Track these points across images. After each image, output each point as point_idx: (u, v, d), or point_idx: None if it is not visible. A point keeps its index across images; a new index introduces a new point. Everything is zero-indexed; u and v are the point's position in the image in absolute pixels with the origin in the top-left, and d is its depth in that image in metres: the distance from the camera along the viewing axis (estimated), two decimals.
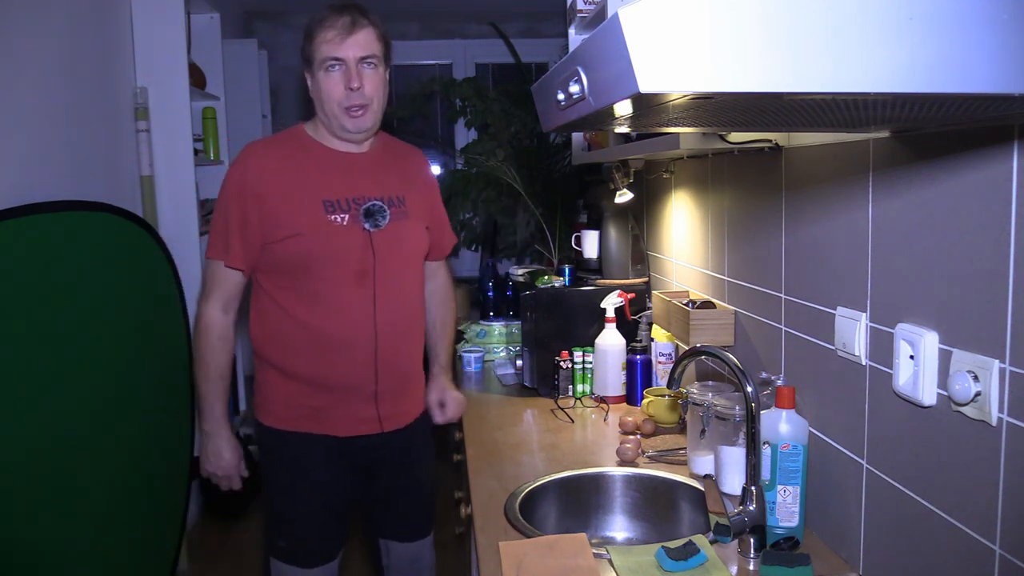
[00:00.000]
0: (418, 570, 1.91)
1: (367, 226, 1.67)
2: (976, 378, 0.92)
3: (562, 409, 2.10)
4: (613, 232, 2.43)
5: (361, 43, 1.61)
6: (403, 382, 1.78)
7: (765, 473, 1.30)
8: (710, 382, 1.72)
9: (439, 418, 1.95)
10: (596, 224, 2.51)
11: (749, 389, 1.26)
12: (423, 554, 1.92)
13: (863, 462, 1.20)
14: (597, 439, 1.88)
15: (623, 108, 0.71)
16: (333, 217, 1.65)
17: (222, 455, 1.75)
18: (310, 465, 1.72)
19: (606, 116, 0.79)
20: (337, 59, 1.60)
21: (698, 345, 1.52)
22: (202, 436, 1.76)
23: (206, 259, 1.72)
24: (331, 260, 1.65)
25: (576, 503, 1.64)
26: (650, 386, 2.10)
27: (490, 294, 3.08)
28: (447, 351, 2.00)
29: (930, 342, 1.02)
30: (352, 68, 1.61)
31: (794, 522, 1.30)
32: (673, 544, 1.26)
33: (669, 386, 1.43)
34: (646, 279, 2.41)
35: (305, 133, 1.73)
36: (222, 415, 1.74)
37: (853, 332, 1.20)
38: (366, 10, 1.65)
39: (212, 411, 1.73)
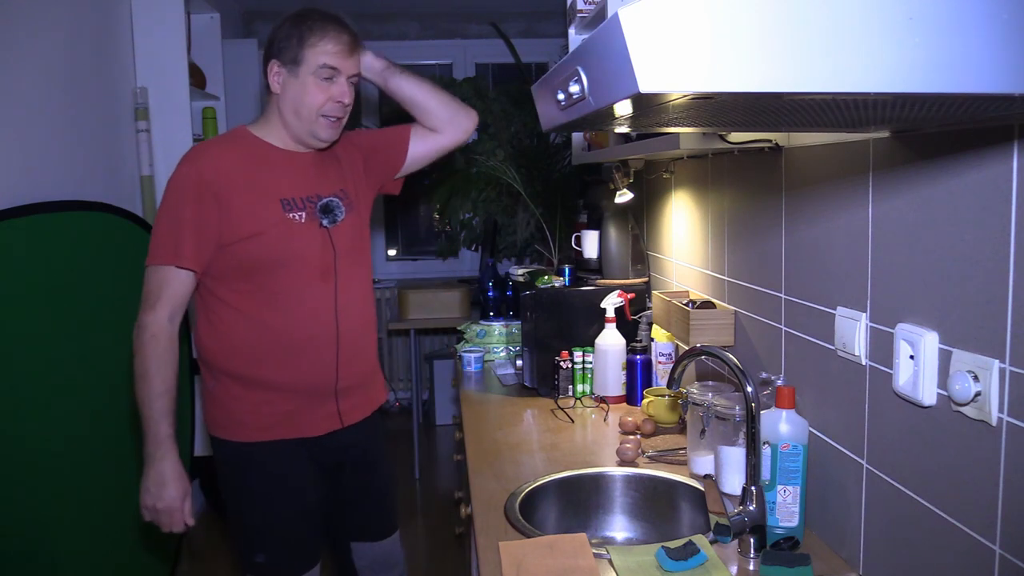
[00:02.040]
0: (391, 565, 1.91)
1: (325, 222, 1.68)
2: (976, 378, 0.92)
3: (562, 409, 2.10)
4: (613, 232, 2.43)
5: (356, 62, 1.68)
6: (364, 377, 1.79)
7: (765, 473, 1.30)
8: (710, 382, 1.72)
9: None
10: (596, 224, 2.51)
11: (749, 389, 1.26)
12: (394, 550, 1.92)
13: (863, 462, 1.20)
14: (597, 439, 1.88)
15: (623, 108, 0.71)
16: (291, 215, 1.65)
17: (165, 485, 1.56)
18: (285, 472, 1.69)
19: (606, 116, 0.79)
20: (335, 70, 1.63)
21: (698, 345, 1.52)
22: (144, 462, 1.58)
23: (148, 267, 1.61)
24: (294, 259, 1.64)
25: (576, 503, 1.64)
26: (650, 386, 2.10)
27: (490, 294, 3.08)
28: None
29: (930, 342, 1.02)
30: (344, 82, 1.65)
31: (794, 522, 1.30)
32: (673, 544, 1.26)
33: (669, 386, 1.43)
34: (646, 279, 2.41)
35: (250, 134, 1.71)
36: (168, 436, 1.58)
37: (853, 332, 1.20)
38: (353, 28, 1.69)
39: (157, 430, 1.56)
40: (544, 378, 2.23)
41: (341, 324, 1.70)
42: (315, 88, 1.62)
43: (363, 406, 1.81)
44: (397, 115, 1.82)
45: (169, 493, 1.57)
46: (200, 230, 1.58)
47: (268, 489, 1.68)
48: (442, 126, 1.84)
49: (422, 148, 1.87)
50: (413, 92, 1.81)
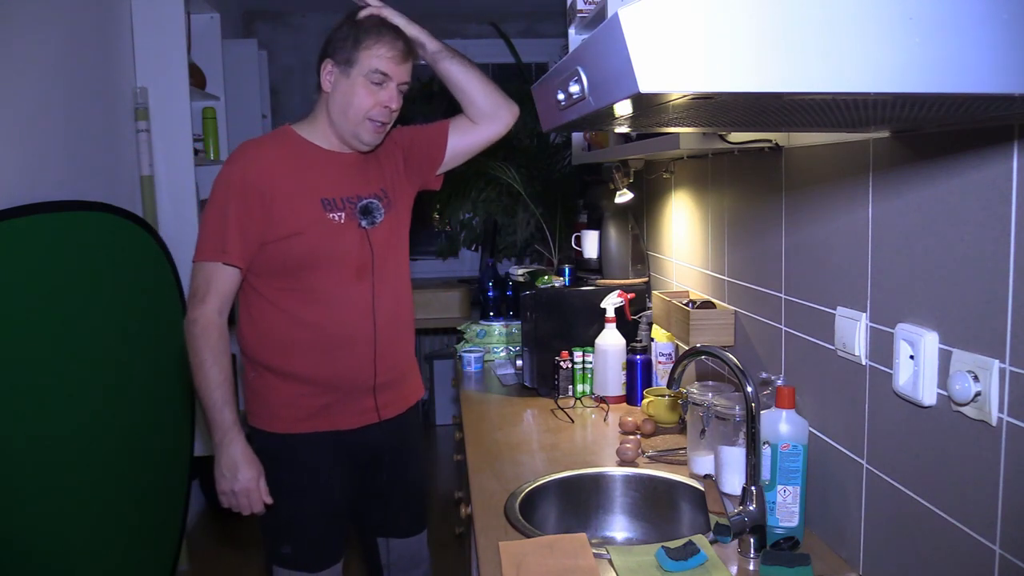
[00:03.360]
0: (417, 563, 1.92)
1: (364, 223, 1.70)
2: (976, 378, 0.92)
3: (562, 409, 2.10)
4: (613, 232, 2.43)
5: (408, 71, 1.69)
6: (400, 374, 1.81)
7: (765, 473, 1.30)
8: (710, 382, 1.72)
9: None
10: (596, 224, 2.50)
11: (749, 389, 1.26)
12: (420, 549, 1.93)
13: (863, 462, 1.20)
14: (597, 439, 1.88)
15: (623, 108, 0.71)
16: (331, 215, 1.67)
17: (239, 469, 1.60)
18: (318, 466, 1.71)
19: (606, 116, 0.79)
20: (387, 75, 1.64)
21: (698, 345, 1.52)
22: (214, 451, 1.63)
23: (196, 264, 1.66)
24: (332, 258, 1.67)
25: (576, 503, 1.63)
26: (650, 386, 2.10)
27: (490, 294, 3.08)
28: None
29: (930, 342, 1.02)
30: (394, 89, 1.66)
31: (794, 522, 1.30)
32: (673, 544, 1.26)
33: (669, 386, 1.43)
34: (646, 279, 2.41)
35: (295, 133, 1.73)
36: (233, 422, 1.61)
37: (853, 332, 1.20)
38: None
39: (222, 417, 1.60)
40: (544, 378, 2.23)
41: (378, 323, 1.71)
42: (364, 90, 1.64)
43: (399, 402, 1.82)
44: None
45: (244, 475, 1.61)
46: (244, 228, 1.62)
47: (299, 481, 1.71)
48: (482, 118, 1.85)
49: (462, 143, 1.87)
50: (460, 78, 1.82)
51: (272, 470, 1.71)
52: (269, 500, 1.65)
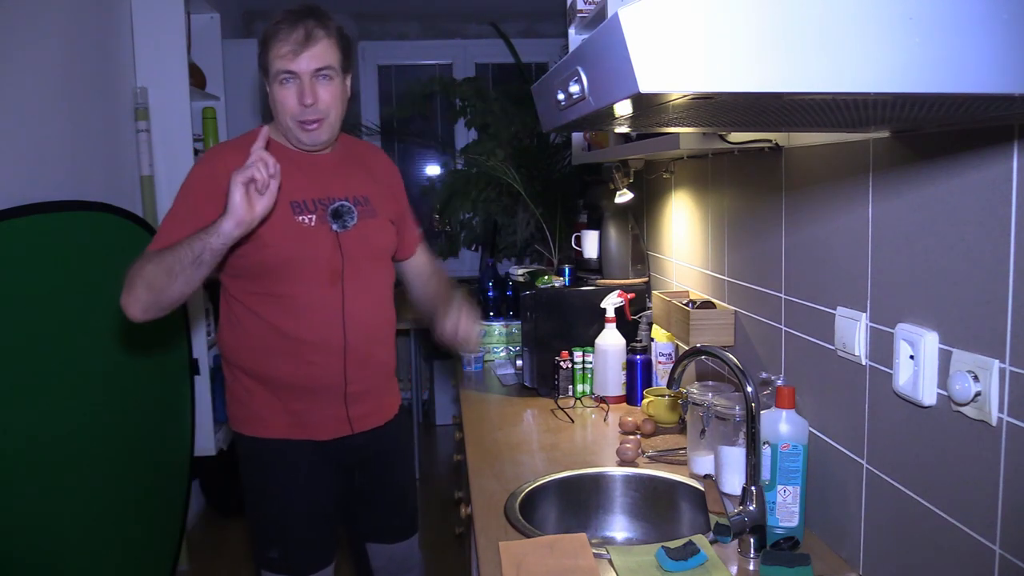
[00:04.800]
0: (408, 568, 1.91)
1: (335, 227, 1.65)
2: (976, 378, 0.92)
3: (562, 409, 2.10)
4: (613, 232, 2.43)
5: (316, 55, 1.55)
6: (374, 383, 1.76)
7: (765, 473, 1.30)
8: (710, 382, 1.72)
9: (455, 336, 1.78)
10: (596, 224, 2.50)
11: (749, 389, 1.26)
12: (411, 554, 1.92)
13: (863, 462, 1.20)
14: (597, 439, 1.88)
15: (623, 108, 0.71)
16: (300, 218, 1.63)
17: (229, 214, 1.42)
18: (298, 469, 1.69)
19: (606, 116, 0.79)
20: (290, 72, 1.56)
21: (698, 345, 1.52)
22: (213, 240, 1.44)
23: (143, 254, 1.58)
24: (301, 262, 1.63)
25: (576, 503, 1.64)
26: (650, 386, 2.10)
27: (490, 294, 3.08)
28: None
29: (930, 342, 1.02)
30: (306, 83, 1.56)
31: (794, 522, 1.30)
32: (673, 544, 1.26)
33: (669, 386, 1.43)
34: (646, 279, 2.41)
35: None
36: (201, 232, 1.45)
37: (853, 332, 1.20)
38: (325, 16, 1.59)
39: (191, 243, 1.45)
40: (544, 378, 2.23)
41: (348, 330, 1.67)
42: (281, 95, 1.58)
43: (376, 414, 1.78)
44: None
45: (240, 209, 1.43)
46: (196, 226, 1.55)
47: (282, 485, 1.70)
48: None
49: (405, 270, 1.94)
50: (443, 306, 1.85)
51: (255, 474, 1.70)
52: (273, 169, 1.46)
